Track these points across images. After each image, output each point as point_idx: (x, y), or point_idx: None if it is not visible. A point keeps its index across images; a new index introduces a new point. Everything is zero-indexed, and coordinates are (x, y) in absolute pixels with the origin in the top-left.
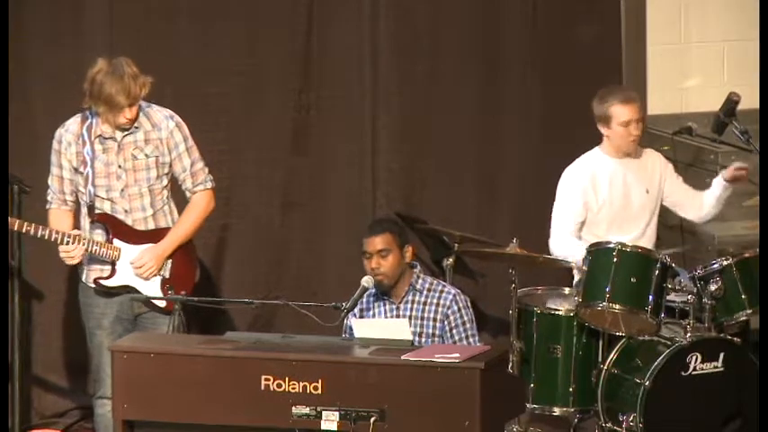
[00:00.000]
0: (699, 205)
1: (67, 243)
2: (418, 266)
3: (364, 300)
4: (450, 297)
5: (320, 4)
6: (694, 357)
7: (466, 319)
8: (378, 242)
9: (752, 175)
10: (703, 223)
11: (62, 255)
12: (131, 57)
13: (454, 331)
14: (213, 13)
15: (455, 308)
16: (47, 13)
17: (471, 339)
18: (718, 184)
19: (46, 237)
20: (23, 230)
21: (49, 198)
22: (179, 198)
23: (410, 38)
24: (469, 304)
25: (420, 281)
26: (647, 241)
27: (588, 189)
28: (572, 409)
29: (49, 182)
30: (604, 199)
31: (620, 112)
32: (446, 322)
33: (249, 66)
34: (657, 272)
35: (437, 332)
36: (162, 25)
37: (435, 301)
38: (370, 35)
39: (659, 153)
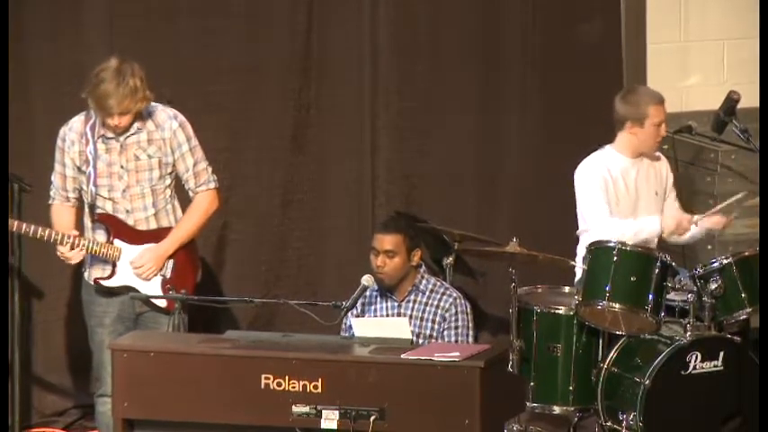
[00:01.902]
0: None
1: (66, 244)
2: (423, 266)
3: (367, 294)
4: (451, 300)
5: (320, 3)
6: (694, 356)
7: (460, 324)
8: (387, 241)
9: (752, 173)
10: (681, 244)
11: (59, 255)
12: (131, 56)
13: (445, 333)
14: (213, 13)
15: (453, 311)
16: (47, 12)
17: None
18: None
19: (45, 238)
20: (23, 231)
21: (51, 194)
22: (183, 196)
23: (410, 38)
24: (469, 311)
25: (424, 281)
26: (652, 240)
27: (608, 181)
28: (572, 408)
29: (52, 178)
30: (616, 197)
31: (656, 112)
32: (442, 324)
33: (249, 65)
34: (657, 271)
35: (434, 334)
36: (162, 25)
37: (435, 303)
38: (370, 35)
39: (666, 160)
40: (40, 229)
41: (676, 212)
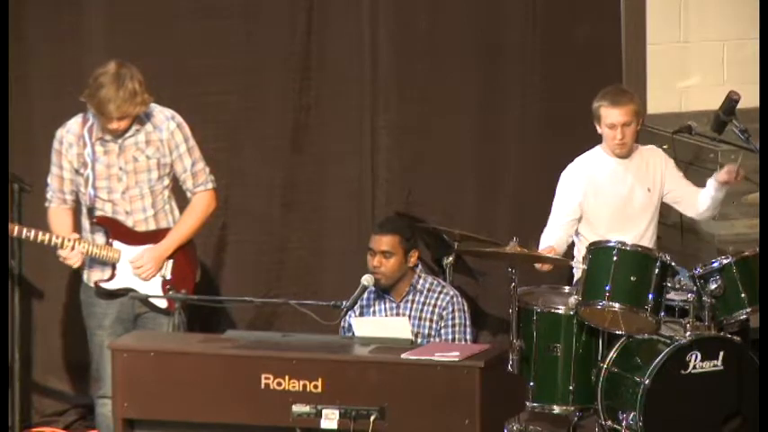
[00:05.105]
0: (696, 203)
1: (66, 247)
2: (420, 266)
3: (365, 297)
4: (448, 299)
5: (320, 3)
6: (694, 356)
7: (458, 321)
8: (383, 242)
9: (752, 174)
10: (703, 220)
11: (61, 259)
12: (131, 56)
13: (443, 331)
14: (213, 13)
15: (450, 309)
16: (47, 13)
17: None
18: (712, 185)
19: (46, 242)
20: (23, 236)
21: (48, 196)
22: (180, 197)
23: (410, 38)
24: (466, 308)
25: (421, 281)
26: (648, 240)
27: (586, 189)
28: (572, 408)
29: (49, 180)
30: (604, 198)
31: (606, 113)
32: (440, 323)
33: (249, 65)
34: (657, 270)
35: (432, 333)
36: (161, 25)
37: (433, 301)
38: (370, 35)
39: (660, 150)
40: (40, 233)
41: (689, 189)
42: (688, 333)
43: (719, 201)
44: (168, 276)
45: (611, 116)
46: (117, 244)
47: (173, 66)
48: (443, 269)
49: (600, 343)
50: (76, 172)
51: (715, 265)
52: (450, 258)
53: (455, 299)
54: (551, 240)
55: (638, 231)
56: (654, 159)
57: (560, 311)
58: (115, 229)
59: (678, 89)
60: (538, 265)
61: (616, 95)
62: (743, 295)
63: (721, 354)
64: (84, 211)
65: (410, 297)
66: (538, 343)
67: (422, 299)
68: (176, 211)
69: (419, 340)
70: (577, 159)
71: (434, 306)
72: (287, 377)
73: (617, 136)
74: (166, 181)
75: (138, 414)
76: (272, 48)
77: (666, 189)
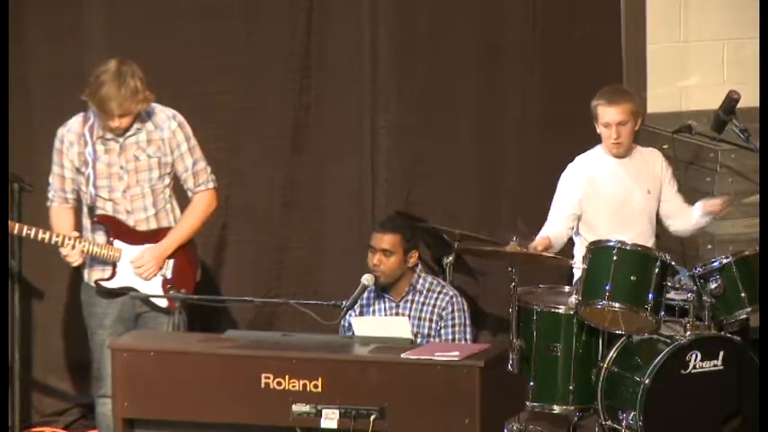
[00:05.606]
0: (687, 217)
1: (67, 245)
2: (420, 266)
3: (365, 296)
4: (447, 299)
5: (320, 3)
6: (694, 356)
7: (457, 321)
8: (384, 241)
9: (751, 173)
10: (687, 235)
11: (62, 257)
12: (131, 56)
13: (443, 331)
14: (213, 13)
15: (449, 309)
16: (47, 13)
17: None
18: (699, 210)
19: (46, 240)
20: (24, 234)
21: (49, 196)
22: (181, 196)
23: (410, 38)
24: (466, 308)
25: (421, 281)
26: (648, 240)
27: (585, 186)
28: (572, 408)
29: (50, 180)
30: (603, 198)
31: (602, 112)
32: (440, 323)
33: (249, 65)
34: (657, 270)
35: (432, 333)
36: (161, 25)
37: (432, 302)
38: (370, 35)
39: (660, 154)
40: (41, 231)
41: (680, 205)
42: (688, 333)
43: (703, 225)
44: (169, 276)
45: (606, 115)
46: (118, 243)
47: (173, 65)
48: (443, 269)
49: (600, 343)
50: (77, 171)
51: (715, 264)
52: (451, 258)
53: (455, 299)
54: (549, 232)
55: (638, 232)
56: (654, 162)
57: (560, 311)
58: (116, 228)
59: (678, 88)
60: (532, 247)
61: (613, 95)
62: (743, 295)
63: (721, 353)
64: (85, 210)
65: (410, 297)
66: (538, 343)
67: (421, 299)
68: (177, 211)
69: (419, 340)
70: (578, 158)
71: (434, 306)
72: (287, 377)
73: (612, 135)
74: (167, 180)
75: (138, 414)
76: (272, 48)
77: (662, 198)
